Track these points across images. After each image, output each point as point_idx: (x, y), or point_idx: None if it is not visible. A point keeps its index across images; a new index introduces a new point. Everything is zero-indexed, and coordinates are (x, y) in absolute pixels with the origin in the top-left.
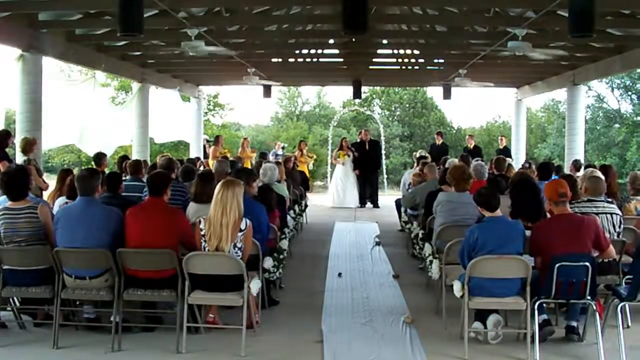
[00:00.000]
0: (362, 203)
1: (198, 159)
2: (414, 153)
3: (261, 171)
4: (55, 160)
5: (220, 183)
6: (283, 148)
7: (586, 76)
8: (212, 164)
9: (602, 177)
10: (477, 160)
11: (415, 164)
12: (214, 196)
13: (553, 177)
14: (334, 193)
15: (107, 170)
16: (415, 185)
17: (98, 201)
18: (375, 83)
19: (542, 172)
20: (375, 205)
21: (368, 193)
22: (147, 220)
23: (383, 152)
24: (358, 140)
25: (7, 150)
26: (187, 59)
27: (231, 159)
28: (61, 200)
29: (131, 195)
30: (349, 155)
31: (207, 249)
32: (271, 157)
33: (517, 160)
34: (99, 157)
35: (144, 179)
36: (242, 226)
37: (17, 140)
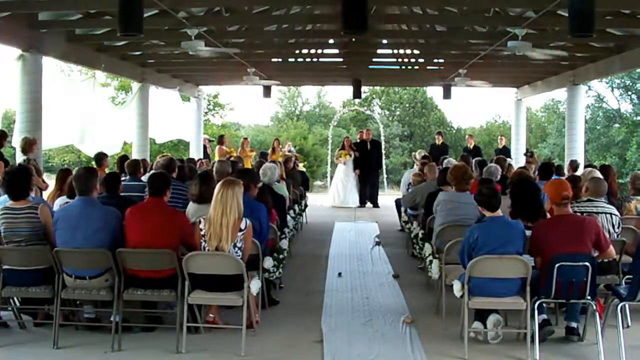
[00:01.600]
0: (362, 203)
1: (199, 159)
2: (414, 153)
3: (261, 171)
4: (55, 160)
5: (220, 183)
6: (295, 147)
7: (586, 76)
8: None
9: (604, 179)
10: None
11: (417, 164)
12: (213, 196)
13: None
14: (334, 192)
15: (107, 171)
16: (416, 185)
17: (96, 201)
18: (375, 83)
19: (543, 172)
20: (375, 205)
21: (368, 193)
22: (147, 220)
23: (383, 151)
24: (358, 140)
25: (4, 150)
26: (187, 59)
27: (231, 159)
28: (61, 200)
29: (130, 195)
30: (350, 155)
31: (207, 249)
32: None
33: (517, 160)
34: (100, 157)
35: (143, 179)
36: (242, 226)
37: (17, 140)
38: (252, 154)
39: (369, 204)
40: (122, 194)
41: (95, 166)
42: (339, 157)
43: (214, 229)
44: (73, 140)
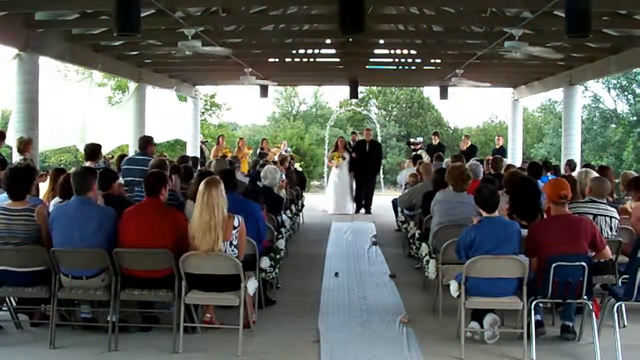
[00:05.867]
0: (359, 208)
1: (196, 159)
2: (411, 139)
3: (262, 174)
4: (52, 160)
5: (202, 184)
6: (291, 147)
7: (583, 76)
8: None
9: (607, 180)
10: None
11: (410, 160)
12: (198, 198)
13: (550, 177)
14: (330, 199)
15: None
16: (412, 186)
17: (93, 200)
18: (372, 83)
19: (533, 172)
20: (368, 211)
21: (363, 197)
22: (143, 220)
23: (382, 153)
24: (351, 141)
25: (1, 150)
26: (184, 58)
27: (228, 158)
28: (55, 200)
29: (136, 168)
30: (344, 158)
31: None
32: (276, 157)
33: (513, 160)
34: (95, 149)
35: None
36: (235, 223)
37: (13, 139)
38: (249, 151)
39: (363, 210)
40: (128, 166)
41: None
42: (331, 160)
43: (202, 232)
44: (74, 141)
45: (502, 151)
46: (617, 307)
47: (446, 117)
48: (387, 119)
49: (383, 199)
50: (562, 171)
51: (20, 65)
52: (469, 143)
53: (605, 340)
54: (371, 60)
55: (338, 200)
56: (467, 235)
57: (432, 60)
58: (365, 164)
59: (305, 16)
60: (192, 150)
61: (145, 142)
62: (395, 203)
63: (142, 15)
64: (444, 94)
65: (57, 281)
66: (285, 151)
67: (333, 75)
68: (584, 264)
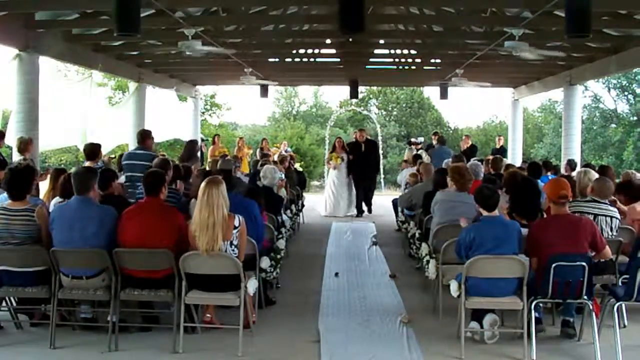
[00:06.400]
0: (360, 212)
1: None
2: (411, 139)
3: (261, 173)
4: (52, 160)
5: (204, 183)
6: (291, 147)
7: (582, 76)
8: (210, 162)
9: (610, 180)
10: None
11: (410, 160)
12: (198, 197)
13: (550, 177)
14: (327, 201)
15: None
16: (412, 185)
17: (93, 200)
18: (372, 83)
19: (532, 171)
20: (369, 211)
21: (362, 198)
22: (144, 220)
23: (380, 152)
24: (354, 140)
25: (1, 150)
26: (184, 58)
27: (228, 158)
28: (56, 200)
29: (137, 163)
30: (342, 159)
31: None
32: (276, 157)
33: (513, 160)
34: (94, 149)
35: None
36: (236, 223)
37: (13, 139)
38: (249, 151)
39: (365, 212)
40: (128, 161)
41: (87, 160)
42: (329, 161)
43: (202, 231)
44: (74, 141)
45: (502, 151)
46: (617, 307)
47: (446, 117)
48: (387, 119)
49: (383, 199)
50: (562, 171)
51: (20, 65)
52: (470, 143)
53: (605, 340)
54: (371, 60)
55: (334, 203)
56: (467, 235)
57: (432, 60)
58: (364, 164)
59: (305, 16)
60: None
61: (144, 136)
62: (395, 203)
63: (142, 15)
64: (444, 94)
65: (57, 281)
66: (286, 151)
67: (333, 75)
68: (584, 263)
